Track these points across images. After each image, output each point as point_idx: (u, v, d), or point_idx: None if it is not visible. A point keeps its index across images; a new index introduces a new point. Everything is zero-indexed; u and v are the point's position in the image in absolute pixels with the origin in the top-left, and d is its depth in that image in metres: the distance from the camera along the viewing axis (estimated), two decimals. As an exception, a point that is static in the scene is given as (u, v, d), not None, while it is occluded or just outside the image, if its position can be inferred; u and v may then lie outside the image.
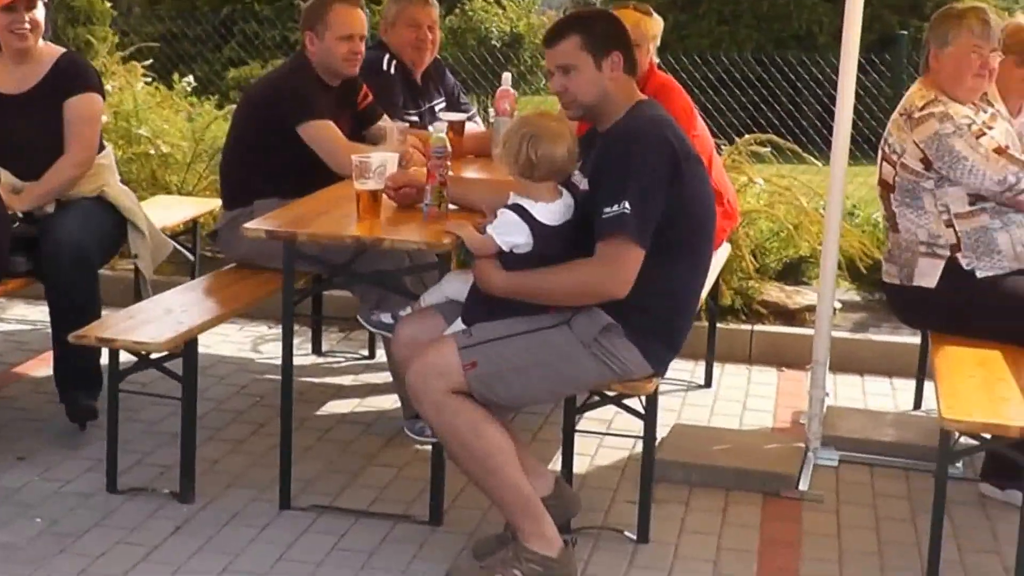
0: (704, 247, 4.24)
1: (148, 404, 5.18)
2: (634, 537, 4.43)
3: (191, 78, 9.25)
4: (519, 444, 4.19)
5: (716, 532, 4.56)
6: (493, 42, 15.15)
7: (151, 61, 9.35)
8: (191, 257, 6.34)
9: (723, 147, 7.10)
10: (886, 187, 5.03)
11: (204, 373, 4.68)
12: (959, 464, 5.00)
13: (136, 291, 5.76)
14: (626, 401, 4.34)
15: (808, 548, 4.48)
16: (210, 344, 6.08)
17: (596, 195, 4.02)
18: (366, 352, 6.36)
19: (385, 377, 5.81)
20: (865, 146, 7.91)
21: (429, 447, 4.49)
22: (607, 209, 3.93)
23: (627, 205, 3.91)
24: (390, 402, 5.60)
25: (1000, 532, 4.60)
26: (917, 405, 5.83)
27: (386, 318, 4.42)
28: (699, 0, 13.95)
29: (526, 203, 4.03)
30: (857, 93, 5.19)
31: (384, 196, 4.54)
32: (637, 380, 4.17)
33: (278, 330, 6.43)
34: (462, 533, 4.41)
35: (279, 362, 4.59)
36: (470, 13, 15.40)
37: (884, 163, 5.03)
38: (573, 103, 4.17)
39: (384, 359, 5.70)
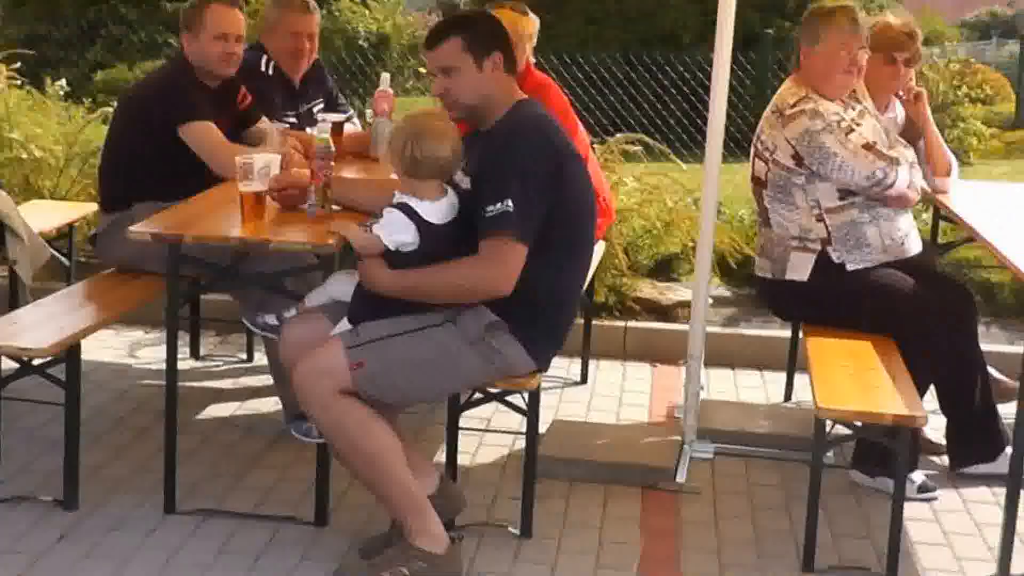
0: (585, 244, 4.31)
1: (26, 411, 5.11)
2: (518, 532, 4.48)
3: (63, 82, 9.10)
4: (405, 443, 4.21)
5: (597, 525, 4.63)
6: (360, 42, 15.10)
7: (19, 64, 9.19)
8: (67, 262, 6.26)
9: (595, 146, 7.19)
10: (759, 183, 5.16)
11: (83, 379, 4.62)
12: (830, 453, 5.14)
13: (11, 297, 5.67)
14: (508, 397, 4.39)
15: (687, 539, 4.57)
16: (88, 350, 5.92)
17: (479, 193, 4.05)
18: (244, 355, 6.33)
19: (264, 380, 5.79)
20: (731, 144, 8.06)
21: (314, 447, 4.50)
22: (490, 207, 3.97)
23: (510, 203, 3.96)
24: (270, 404, 5.58)
25: (871, 518, 4.73)
26: (788, 397, 5.97)
27: (271, 320, 4.42)
28: (565, 0, 14.05)
29: (412, 202, 4.05)
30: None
31: (267, 198, 4.54)
32: (521, 376, 4.22)
33: (155, 335, 6.44)
34: (348, 533, 4.42)
35: (157, 367, 4.57)
36: (336, 13, 15.34)
37: (756, 160, 5.15)
38: (455, 104, 4.20)
39: (263, 361, 5.68)
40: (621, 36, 13.82)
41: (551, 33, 14.14)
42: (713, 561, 4.41)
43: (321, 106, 6.01)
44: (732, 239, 7.03)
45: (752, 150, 5.20)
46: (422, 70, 14.71)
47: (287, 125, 5.73)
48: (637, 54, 12.05)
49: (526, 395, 4.36)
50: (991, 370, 5.28)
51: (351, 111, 6.23)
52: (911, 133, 5.48)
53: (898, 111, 5.53)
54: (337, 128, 5.57)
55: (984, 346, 5.30)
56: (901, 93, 5.51)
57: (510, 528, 4.50)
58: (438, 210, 4.07)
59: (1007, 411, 5.07)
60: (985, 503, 4.92)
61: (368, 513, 4.52)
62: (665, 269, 7.25)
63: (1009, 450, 4.82)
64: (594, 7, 14.05)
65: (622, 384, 6.24)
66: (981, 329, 5.36)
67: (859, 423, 4.40)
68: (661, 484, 4.96)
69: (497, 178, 4.02)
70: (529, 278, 4.03)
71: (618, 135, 7.50)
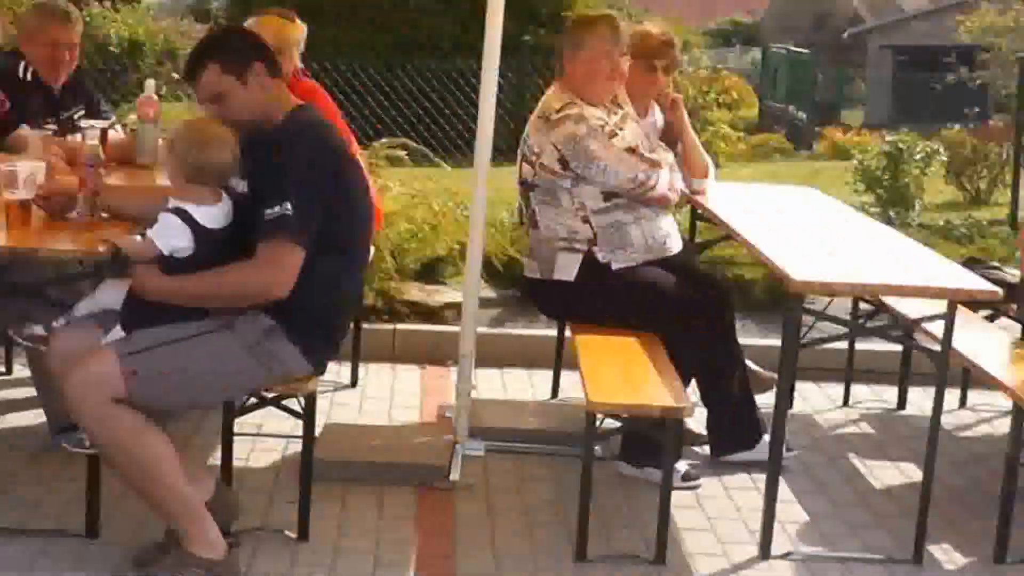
0: (361, 246, 4.34)
1: None
2: (295, 536, 4.48)
3: None
4: (179, 450, 4.18)
5: (374, 526, 4.66)
6: (112, 48, 14.79)
7: None
8: None
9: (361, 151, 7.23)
10: (526, 186, 5.26)
11: None
12: (597, 447, 5.27)
13: None
14: (283, 401, 4.39)
15: (463, 535, 4.64)
16: None
17: (258, 197, 4.04)
18: (2, 368, 6.15)
19: (25, 392, 5.64)
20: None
21: (82, 458, 4.41)
22: (268, 211, 3.96)
23: (288, 206, 3.95)
24: (32, 417, 5.43)
25: (639, 508, 4.87)
26: (555, 394, 6.11)
27: (38, 330, 4.31)
28: (323, 6, 13.99)
29: (188, 207, 4.01)
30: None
31: (33, 206, 4.44)
32: (298, 380, 4.23)
33: None
34: (121, 543, 4.35)
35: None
36: (87, 19, 14.99)
37: (524, 164, 5.26)
38: (233, 124, 4.13)
39: (23, 373, 5.54)
40: (380, 43, 13.84)
41: (309, 40, 14.15)
42: (488, 555, 4.49)
43: (82, 113, 5.88)
44: (498, 241, 7.14)
45: (519, 154, 5.31)
46: (176, 75, 14.52)
47: (48, 132, 5.59)
48: (399, 61, 12.11)
49: (302, 399, 4.37)
50: (748, 363, 5.51)
51: (113, 117, 6.10)
52: (670, 137, 5.67)
53: (657, 116, 5.70)
54: (101, 135, 5.48)
55: (740, 340, 5.53)
56: (661, 99, 5.69)
57: (287, 532, 4.50)
58: (215, 215, 4.05)
59: (764, 401, 5.31)
60: (746, 489, 5.13)
61: (140, 523, 4.45)
62: (432, 272, 7.33)
63: (767, 438, 5.06)
64: (352, 15, 14.02)
65: (392, 386, 6.29)
66: (737, 324, 5.58)
67: (628, 416, 4.55)
68: (435, 483, 5.02)
69: (276, 181, 4.01)
70: (306, 280, 4.04)
71: (382, 140, 7.54)
